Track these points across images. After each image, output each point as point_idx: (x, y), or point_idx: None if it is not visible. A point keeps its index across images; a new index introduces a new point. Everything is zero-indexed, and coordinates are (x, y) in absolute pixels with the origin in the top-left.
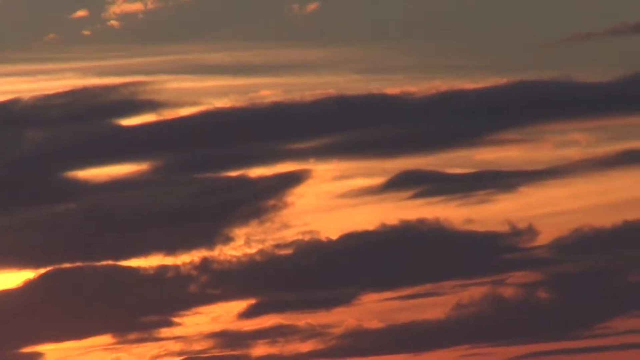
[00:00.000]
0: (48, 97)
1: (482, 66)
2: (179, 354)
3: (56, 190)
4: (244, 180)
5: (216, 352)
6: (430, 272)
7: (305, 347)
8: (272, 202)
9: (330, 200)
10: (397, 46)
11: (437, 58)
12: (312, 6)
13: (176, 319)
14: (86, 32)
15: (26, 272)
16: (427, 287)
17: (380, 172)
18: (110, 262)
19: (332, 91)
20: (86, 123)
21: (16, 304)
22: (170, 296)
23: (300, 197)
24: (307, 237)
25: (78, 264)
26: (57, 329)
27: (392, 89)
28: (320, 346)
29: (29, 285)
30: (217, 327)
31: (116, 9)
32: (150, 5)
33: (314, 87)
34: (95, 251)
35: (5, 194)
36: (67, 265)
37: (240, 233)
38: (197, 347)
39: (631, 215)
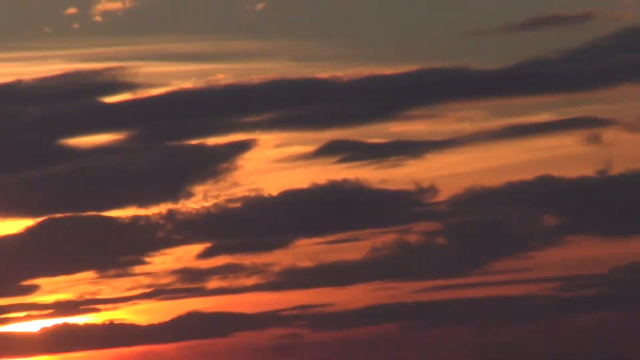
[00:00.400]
0: (44, 79)
1: (397, 56)
2: (149, 286)
3: (51, 155)
4: (202, 148)
5: (178, 285)
6: (351, 221)
7: (250, 281)
8: (225, 165)
9: (272, 164)
10: (327, 39)
11: (360, 48)
12: (260, 6)
13: (147, 259)
14: (76, 26)
15: (26, 220)
16: (349, 233)
17: (312, 141)
18: (94, 213)
19: (274, 75)
20: (75, 100)
21: (18, 246)
22: (142, 240)
23: (248, 162)
24: (253, 194)
25: (68, 214)
26: (51, 266)
27: (322, 74)
28: (262, 281)
29: (28, 231)
30: (179, 265)
31: (100, 7)
32: (127, 4)
33: (260, 72)
34: (82, 204)
35: (10, 157)
36: (59, 215)
37: (199, 190)
38: (164, 281)
39: (513, 177)
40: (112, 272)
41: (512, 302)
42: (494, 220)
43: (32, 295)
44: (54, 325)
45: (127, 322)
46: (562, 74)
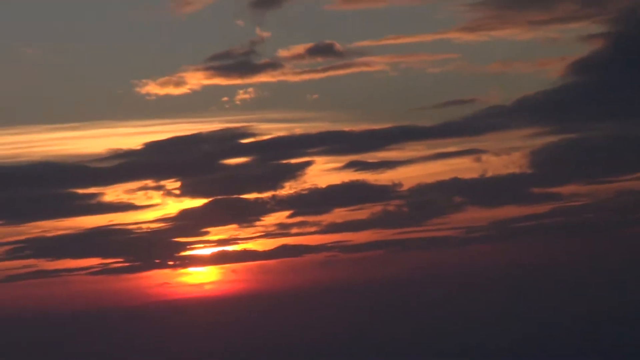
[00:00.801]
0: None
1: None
2: (273, 232)
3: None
4: (289, 164)
5: (277, 231)
6: (361, 199)
7: (312, 229)
8: (299, 172)
9: (321, 172)
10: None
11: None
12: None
13: (262, 218)
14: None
15: (204, 199)
16: (357, 206)
17: (338, 161)
18: (236, 196)
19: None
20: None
21: (200, 212)
22: (261, 209)
23: (310, 171)
24: (312, 186)
25: (232, 196)
26: (224, 221)
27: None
28: (317, 228)
29: (205, 205)
30: (278, 221)
31: None
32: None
33: (315, 128)
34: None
35: None
36: (222, 196)
37: (287, 185)
38: (270, 229)
39: None
40: (245, 224)
41: None
42: None
43: (206, 236)
44: (217, 251)
45: (252, 249)
46: None
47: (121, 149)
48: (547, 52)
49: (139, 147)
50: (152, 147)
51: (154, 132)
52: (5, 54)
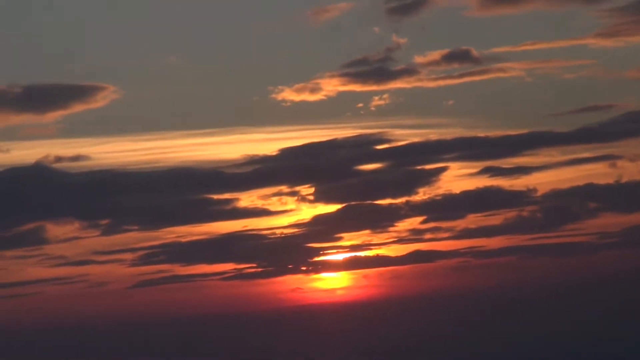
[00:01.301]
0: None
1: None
2: (397, 238)
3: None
4: (423, 170)
5: (410, 237)
6: (492, 206)
7: (444, 235)
8: (434, 178)
9: (456, 178)
10: None
11: None
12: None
13: (395, 224)
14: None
15: (338, 205)
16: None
17: (472, 167)
18: (370, 202)
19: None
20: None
21: (334, 218)
22: (395, 215)
23: (445, 177)
24: (446, 192)
25: (364, 202)
26: (350, 228)
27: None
28: (450, 234)
29: (339, 211)
30: (410, 227)
31: None
32: None
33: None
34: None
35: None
36: (355, 202)
37: (421, 190)
38: (403, 235)
39: None
40: (378, 230)
41: None
42: None
43: (339, 241)
44: (350, 257)
45: (385, 254)
46: None
47: (257, 155)
48: None
49: (274, 153)
50: (287, 153)
51: (289, 138)
52: (151, 62)
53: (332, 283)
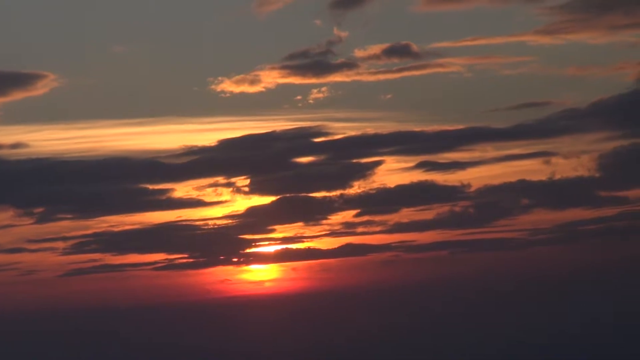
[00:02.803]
0: None
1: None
2: (328, 230)
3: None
4: (359, 163)
5: (343, 230)
6: (426, 200)
7: (377, 228)
8: (369, 172)
9: (390, 172)
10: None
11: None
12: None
13: (329, 217)
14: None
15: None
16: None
17: (407, 161)
18: (304, 194)
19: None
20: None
21: (268, 211)
22: (328, 208)
23: (380, 171)
24: (380, 186)
25: (298, 194)
26: (282, 219)
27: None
28: (384, 228)
29: (273, 203)
30: (344, 220)
31: None
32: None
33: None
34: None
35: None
36: (289, 195)
37: (356, 184)
38: (336, 228)
39: None
40: (311, 222)
41: None
42: None
43: (271, 233)
44: (281, 249)
45: (316, 247)
46: None
47: (195, 146)
48: (624, 56)
49: (212, 144)
50: (226, 144)
51: (228, 129)
52: (93, 51)
53: (260, 275)
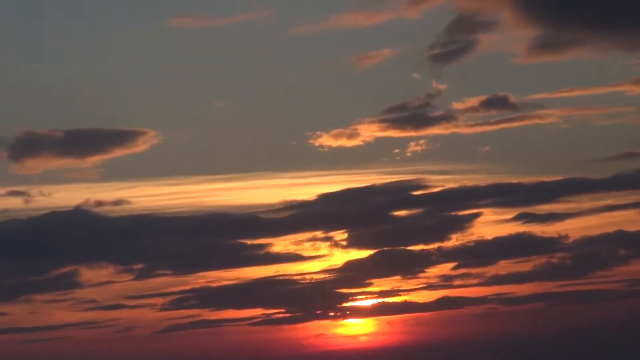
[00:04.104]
0: None
1: None
2: (426, 284)
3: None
4: (456, 216)
5: (440, 283)
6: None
7: (475, 281)
8: (466, 224)
9: (487, 224)
10: None
11: None
12: None
13: (426, 270)
14: None
15: (369, 251)
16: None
17: (506, 212)
18: (402, 247)
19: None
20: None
21: (364, 264)
22: (426, 261)
23: (478, 223)
24: (478, 238)
25: (396, 247)
26: (380, 274)
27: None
28: (480, 280)
29: (370, 257)
30: (442, 273)
31: None
32: None
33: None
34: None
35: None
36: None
37: (454, 237)
38: (433, 281)
39: None
40: (408, 276)
41: None
42: None
43: (368, 287)
44: (377, 303)
45: (413, 300)
46: None
47: (294, 200)
48: None
49: (311, 199)
50: (325, 199)
51: (327, 183)
52: (193, 107)
53: (355, 329)
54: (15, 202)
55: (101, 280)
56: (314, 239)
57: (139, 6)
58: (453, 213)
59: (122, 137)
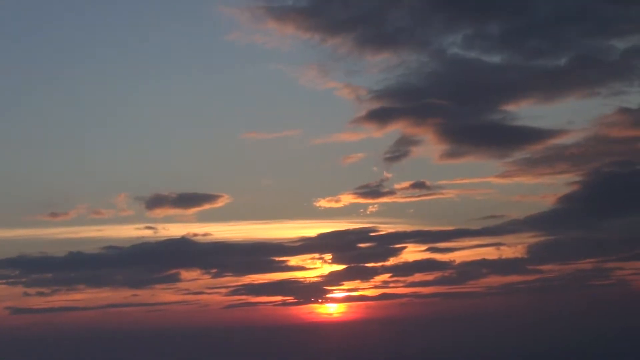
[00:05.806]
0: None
1: None
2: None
3: None
4: None
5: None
6: None
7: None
8: None
9: None
10: None
11: None
12: None
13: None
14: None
15: None
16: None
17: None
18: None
19: None
20: None
21: None
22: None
23: None
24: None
25: None
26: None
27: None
28: None
29: None
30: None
31: None
32: None
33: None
34: None
35: None
36: None
37: None
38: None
39: None
40: (364, 280)
41: None
42: None
43: (340, 286)
44: (346, 295)
45: (367, 294)
46: None
47: (304, 236)
48: None
49: (313, 236)
50: (321, 236)
51: (322, 227)
52: (253, 183)
53: (332, 310)
54: (148, 233)
55: (192, 277)
56: (313, 258)
57: (224, 123)
58: (391, 246)
59: (209, 198)
